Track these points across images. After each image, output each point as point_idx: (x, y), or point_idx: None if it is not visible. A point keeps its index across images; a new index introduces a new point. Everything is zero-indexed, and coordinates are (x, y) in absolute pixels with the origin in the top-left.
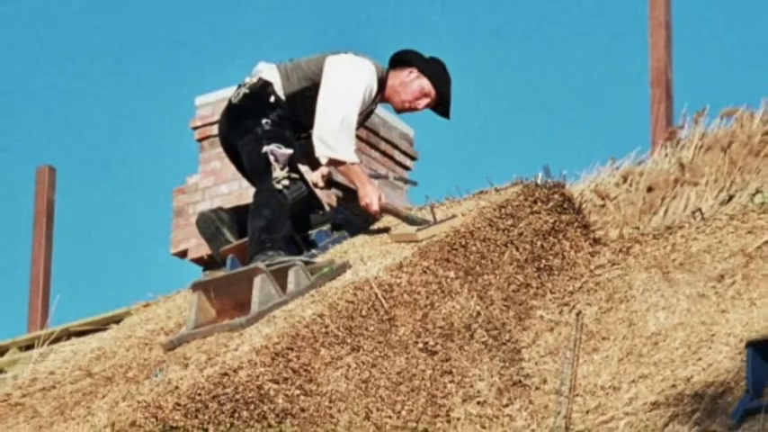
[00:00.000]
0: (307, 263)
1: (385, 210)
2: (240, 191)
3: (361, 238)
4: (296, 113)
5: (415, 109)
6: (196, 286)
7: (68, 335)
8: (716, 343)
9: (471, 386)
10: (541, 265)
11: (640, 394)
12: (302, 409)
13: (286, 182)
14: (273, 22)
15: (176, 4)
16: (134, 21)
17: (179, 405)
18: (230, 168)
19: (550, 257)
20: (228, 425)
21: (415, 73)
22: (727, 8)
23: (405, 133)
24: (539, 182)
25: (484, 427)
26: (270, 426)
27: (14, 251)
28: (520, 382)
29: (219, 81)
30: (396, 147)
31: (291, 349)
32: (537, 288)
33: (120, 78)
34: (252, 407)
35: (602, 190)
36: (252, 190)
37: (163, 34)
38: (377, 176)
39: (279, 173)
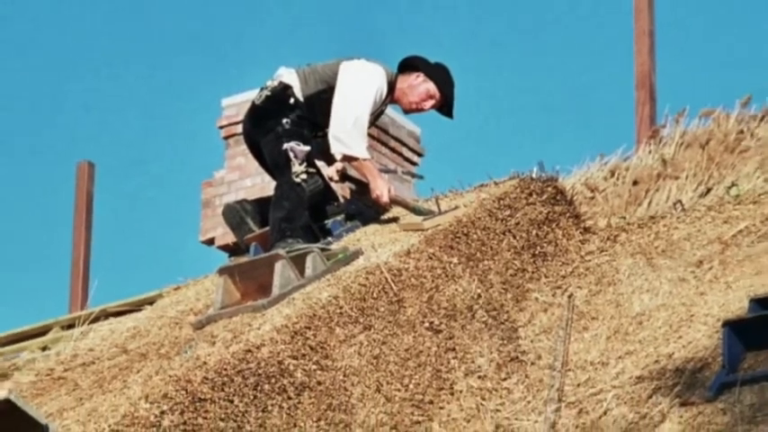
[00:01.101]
0: (323, 250)
1: (394, 201)
2: (262, 184)
3: (372, 228)
4: (313, 114)
5: (422, 110)
6: (222, 271)
7: (106, 315)
8: (695, 323)
9: (472, 362)
10: (536, 252)
11: (626, 369)
12: (319, 383)
13: (304, 176)
14: (292, 30)
15: (204, 15)
16: (166, 29)
17: (207, 379)
18: (254, 164)
19: (544, 245)
20: (252, 397)
21: (421, 77)
22: (706, 18)
23: (412, 132)
24: (534, 176)
25: (484, 399)
26: (289, 398)
27: (57, 239)
28: (517, 358)
29: (244, 84)
30: (404, 144)
31: (309, 328)
32: (532, 272)
33: (153, 82)
34: (273, 380)
35: (591, 183)
36: (273, 183)
37: (192, 41)
38: (386, 171)
39: (297, 168)
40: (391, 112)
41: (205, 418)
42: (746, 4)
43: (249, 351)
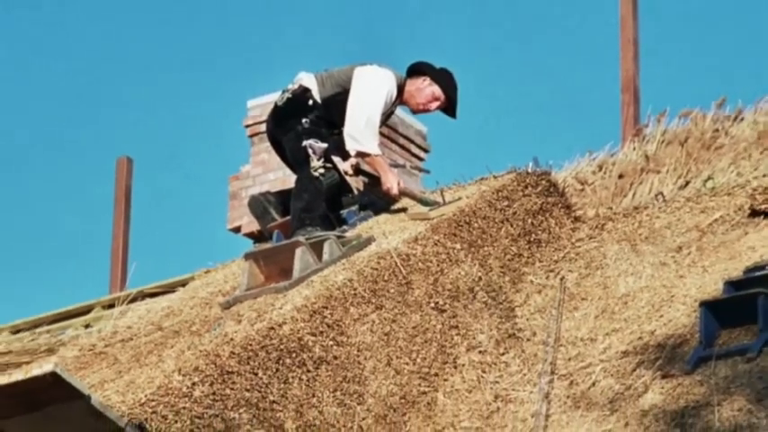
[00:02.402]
0: (339, 237)
1: (403, 193)
2: (284, 178)
3: (383, 217)
4: (330, 114)
5: (428, 110)
6: (248, 256)
7: (143, 296)
8: (675, 303)
9: (474, 338)
10: (531, 239)
11: (613, 345)
12: (335, 357)
13: (322, 170)
14: (311, 38)
15: (232, 26)
16: (198, 38)
17: (234, 353)
18: (276, 159)
19: (539, 232)
20: (274, 370)
21: (427, 81)
22: (685, 28)
23: (419, 130)
24: (529, 170)
25: (484, 372)
26: (308, 371)
27: (99, 227)
28: (514, 335)
29: (267, 87)
30: (412, 141)
31: (326, 308)
32: (528, 257)
33: (186, 85)
34: (293, 355)
35: (581, 177)
36: (293, 177)
37: (221, 49)
38: (396, 166)
39: (316, 163)
40: (400, 112)
41: (232, 388)
42: (722, 17)
43: (272, 328)
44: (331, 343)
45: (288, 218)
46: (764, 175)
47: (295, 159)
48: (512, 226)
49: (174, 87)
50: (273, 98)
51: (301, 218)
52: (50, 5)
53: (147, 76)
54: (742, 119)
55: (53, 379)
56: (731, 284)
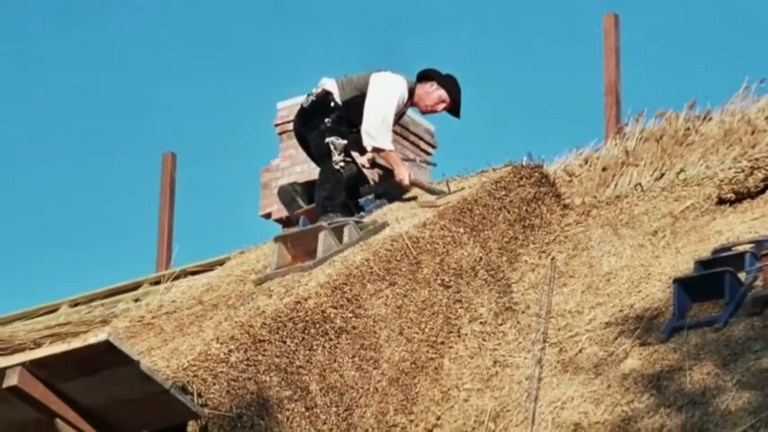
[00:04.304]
0: (357, 222)
1: (413, 184)
2: (309, 170)
3: (396, 205)
4: (349, 115)
5: (435, 111)
6: (277, 239)
7: (185, 274)
8: (651, 280)
9: (475, 311)
10: (526, 224)
11: (597, 317)
12: (353, 327)
13: (342, 164)
14: (333, 48)
15: (264, 38)
16: (235, 47)
17: (265, 324)
18: (302, 154)
19: (532, 218)
20: (300, 338)
21: (435, 85)
22: (660, 40)
23: (428, 129)
24: (524, 163)
25: (484, 341)
26: (330, 339)
27: (147, 213)
28: (510, 308)
29: (294, 91)
30: (421, 138)
31: (346, 284)
32: (522, 240)
33: (223, 90)
34: (317, 325)
35: (569, 169)
36: (317, 170)
37: (254, 57)
38: (407, 160)
39: (337, 157)
40: (411, 113)
41: (263, 355)
42: (694, 30)
43: (298, 302)
44: (350, 315)
45: (312, 205)
46: (730, 168)
47: (319, 154)
48: (508, 212)
49: (214, 92)
50: (300, 101)
51: (324, 205)
52: (111, 22)
53: (189, 83)
54: (710, 119)
55: (107, 347)
56: (701, 264)
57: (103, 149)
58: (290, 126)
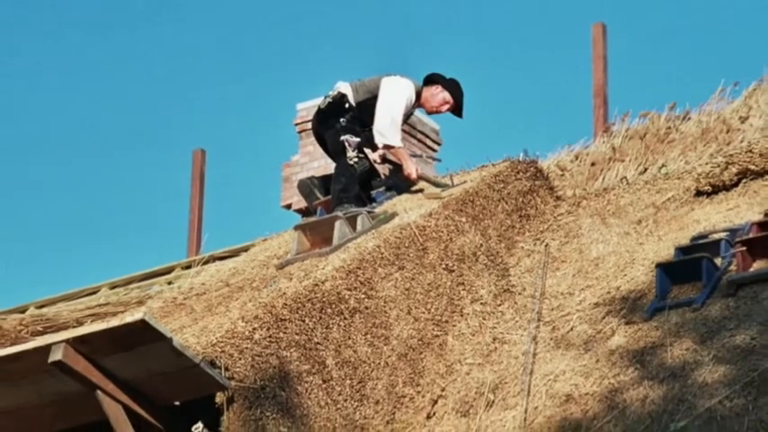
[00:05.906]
0: (369, 212)
1: (420, 177)
2: (326, 165)
3: (404, 196)
4: (362, 115)
5: (440, 112)
6: (297, 227)
7: (214, 259)
8: (636, 264)
9: (476, 292)
10: (522, 214)
11: (587, 298)
12: (366, 308)
13: (356, 160)
14: (347, 54)
15: (285, 44)
16: (258, 56)
17: (286, 305)
18: (319, 151)
19: (528, 209)
20: (318, 318)
21: (440, 88)
22: (644, 48)
23: (433, 128)
24: (520, 159)
25: (484, 320)
26: (345, 318)
27: (179, 204)
28: (508, 290)
29: (312, 93)
30: (427, 136)
31: (359, 268)
32: (519, 229)
33: (248, 92)
34: (333, 306)
35: (561, 165)
36: (333, 165)
37: (275, 64)
38: (415, 156)
39: (351, 154)
40: (418, 113)
41: (285, 332)
42: (674, 37)
43: (316, 285)
44: (363, 296)
45: (329, 197)
46: (707, 164)
47: (334, 151)
48: (506, 203)
49: (240, 95)
50: (317, 102)
51: (339, 197)
52: (148, 31)
53: (217, 85)
54: (689, 118)
55: (142, 325)
56: (681, 250)
57: (142, 147)
58: (309, 125)
